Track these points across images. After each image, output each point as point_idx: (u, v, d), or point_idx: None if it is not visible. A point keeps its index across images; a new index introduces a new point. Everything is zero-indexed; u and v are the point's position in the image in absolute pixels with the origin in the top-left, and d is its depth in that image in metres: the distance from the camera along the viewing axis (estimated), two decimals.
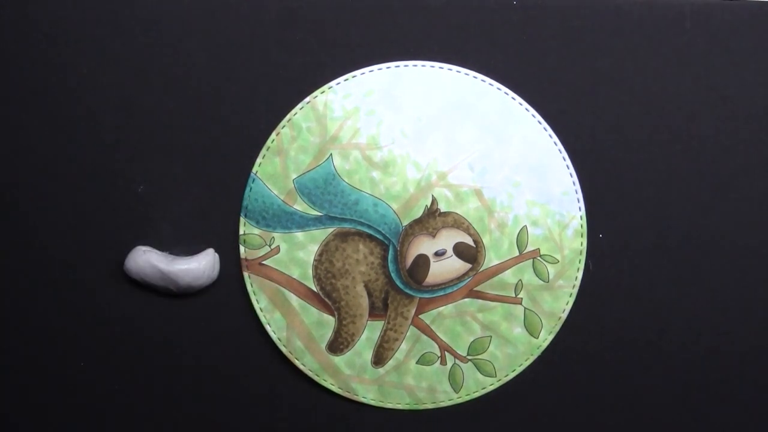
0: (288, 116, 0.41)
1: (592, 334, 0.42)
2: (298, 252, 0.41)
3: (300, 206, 0.41)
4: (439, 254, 0.41)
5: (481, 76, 0.41)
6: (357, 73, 0.40)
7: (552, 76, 0.41)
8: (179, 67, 0.41)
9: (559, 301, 0.41)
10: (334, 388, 0.42)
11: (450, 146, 0.41)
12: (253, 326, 0.42)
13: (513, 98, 0.41)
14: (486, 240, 0.41)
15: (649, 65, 0.40)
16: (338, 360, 0.42)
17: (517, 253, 0.41)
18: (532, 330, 0.42)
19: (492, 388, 0.42)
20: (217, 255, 0.41)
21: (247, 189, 0.41)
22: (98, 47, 0.40)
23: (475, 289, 0.41)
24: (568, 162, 0.41)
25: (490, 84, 0.41)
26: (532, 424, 0.42)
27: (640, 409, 0.42)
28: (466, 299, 0.42)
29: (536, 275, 0.41)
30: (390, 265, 0.41)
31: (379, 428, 0.43)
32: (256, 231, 0.41)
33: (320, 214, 0.41)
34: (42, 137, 0.41)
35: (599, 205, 0.41)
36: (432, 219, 0.41)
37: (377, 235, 0.41)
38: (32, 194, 0.41)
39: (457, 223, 0.41)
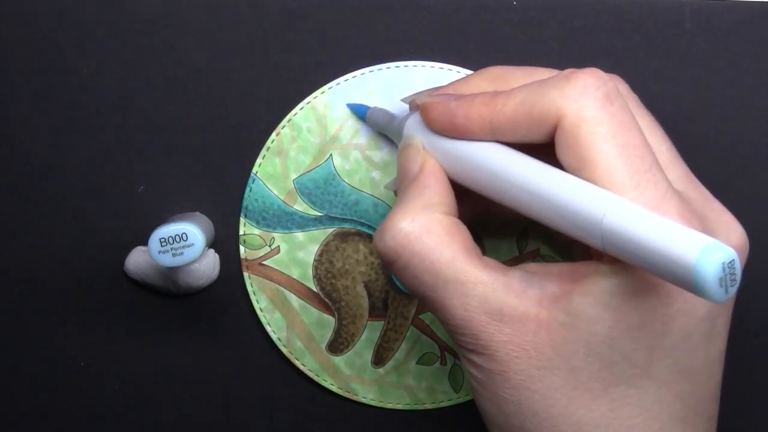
0: (288, 116, 0.40)
1: None
2: (298, 252, 0.41)
3: (300, 206, 0.41)
4: None
5: None
6: (357, 73, 0.40)
7: None
8: (179, 67, 0.41)
9: None
10: (334, 388, 0.42)
11: None
12: (253, 326, 0.42)
13: None
14: (486, 240, 0.41)
15: (649, 65, 0.40)
16: (338, 360, 0.42)
17: (517, 254, 0.41)
18: None
19: None
20: (217, 255, 0.41)
21: (247, 189, 0.41)
22: (98, 47, 0.40)
23: None
24: None
25: None
26: None
27: None
28: None
29: None
30: None
31: (379, 428, 0.43)
32: (256, 231, 0.41)
33: (320, 214, 0.41)
34: (42, 137, 0.41)
35: None
36: None
37: None
38: (32, 194, 0.41)
39: None
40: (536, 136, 0.30)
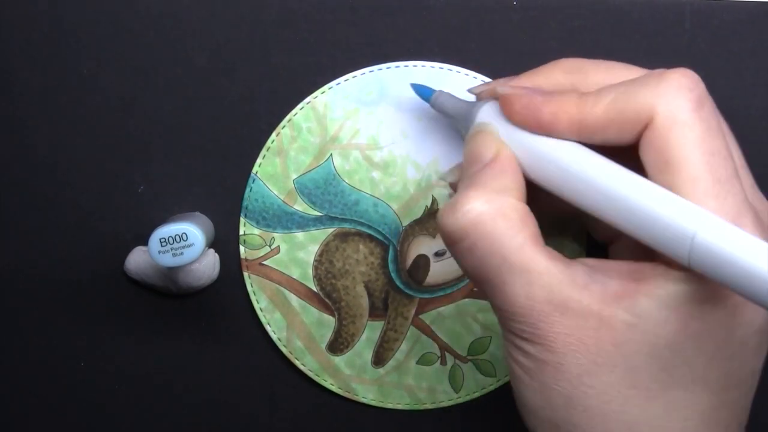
0: (288, 116, 0.41)
1: None
2: (298, 252, 0.41)
3: (300, 206, 0.41)
4: (439, 254, 0.41)
5: (481, 76, 0.41)
6: (357, 73, 0.40)
7: None
8: (179, 67, 0.41)
9: None
10: (334, 388, 0.42)
11: (450, 146, 0.41)
12: (253, 326, 0.42)
13: None
14: None
15: (649, 65, 0.40)
16: (338, 360, 0.42)
17: None
18: None
19: (492, 388, 0.42)
20: (217, 255, 0.41)
21: (247, 189, 0.41)
22: (98, 47, 0.40)
23: (475, 289, 0.41)
24: None
25: None
26: None
27: None
28: (466, 300, 0.42)
29: None
30: (390, 265, 0.41)
31: (379, 428, 0.43)
32: (256, 231, 0.41)
33: (320, 214, 0.41)
34: (42, 137, 0.41)
35: None
36: (432, 219, 0.41)
37: (377, 236, 0.41)
38: (32, 194, 0.41)
39: None
40: (625, 137, 0.30)
